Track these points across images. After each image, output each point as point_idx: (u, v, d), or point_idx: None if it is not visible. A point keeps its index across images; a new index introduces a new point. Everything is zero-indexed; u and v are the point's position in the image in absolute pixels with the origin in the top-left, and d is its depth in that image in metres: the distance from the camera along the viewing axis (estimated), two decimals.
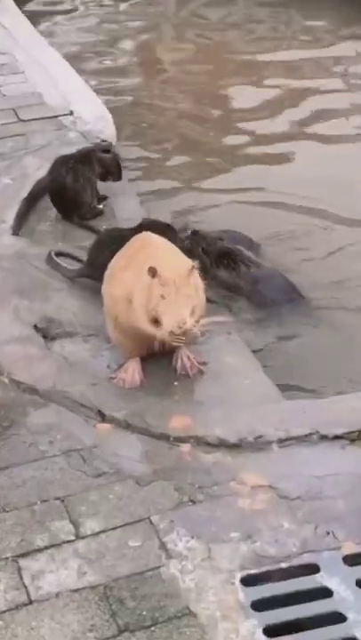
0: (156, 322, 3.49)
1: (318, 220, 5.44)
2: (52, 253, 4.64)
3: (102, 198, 5.26)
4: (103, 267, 3.97)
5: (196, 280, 3.56)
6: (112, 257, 3.93)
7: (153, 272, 3.43)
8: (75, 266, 4.57)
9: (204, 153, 6.47)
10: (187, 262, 3.60)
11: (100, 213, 5.19)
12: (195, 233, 4.89)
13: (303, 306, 4.62)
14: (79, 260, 4.59)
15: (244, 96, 7.30)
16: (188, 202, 5.73)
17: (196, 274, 3.55)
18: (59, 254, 4.68)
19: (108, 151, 5.31)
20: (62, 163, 5.12)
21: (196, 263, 3.56)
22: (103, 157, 5.25)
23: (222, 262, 4.77)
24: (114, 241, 4.29)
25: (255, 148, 6.50)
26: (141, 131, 6.83)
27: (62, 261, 4.61)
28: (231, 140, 6.65)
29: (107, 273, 3.82)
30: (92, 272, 4.32)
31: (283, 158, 6.31)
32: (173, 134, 6.80)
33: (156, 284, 3.43)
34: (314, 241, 5.21)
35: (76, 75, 6.94)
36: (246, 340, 4.09)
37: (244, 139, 6.66)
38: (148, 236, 3.88)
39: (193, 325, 3.43)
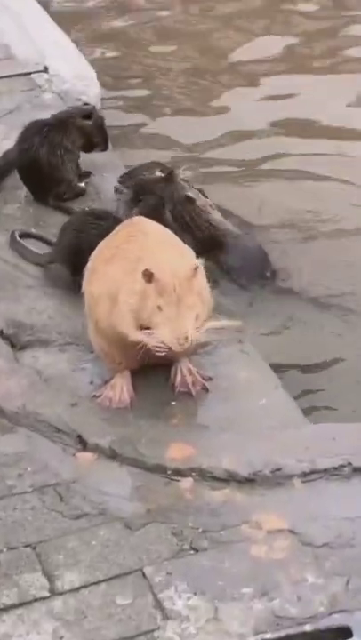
0: (145, 328, 3.51)
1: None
2: (16, 234, 4.70)
3: (84, 175, 5.28)
4: (66, 249, 4.16)
5: (201, 281, 3.58)
6: (79, 238, 4.07)
7: (149, 277, 3.44)
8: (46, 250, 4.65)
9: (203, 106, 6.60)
10: (189, 259, 3.61)
11: (81, 193, 5.21)
12: (171, 175, 4.95)
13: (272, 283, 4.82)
14: (50, 244, 4.65)
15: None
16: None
17: (202, 273, 3.57)
18: (24, 236, 4.73)
19: (89, 116, 5.34)
20: (35, 131, 5.14)
21: (200, 261, 3.58)
22: (84, 124, 5.28)
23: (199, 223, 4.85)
24: (84, 218, 4.42)
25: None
26: (124, 77, 6.92)
27: (30, 246, 4.68)
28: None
29: (88, 266, 3.84)
30: (57, 256, 4.45)
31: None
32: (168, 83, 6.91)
33: (153, 292, 3.44)
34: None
35: (51, 22, 6.96)
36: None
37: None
38: (139, 222, 3.90)
39: (194, 336, 3.46)
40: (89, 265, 3.84)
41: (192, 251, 3.78)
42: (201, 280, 3.58)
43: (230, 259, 4.88)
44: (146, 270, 3.44)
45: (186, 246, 3.81)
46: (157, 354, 3.52)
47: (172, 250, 3.70)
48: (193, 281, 3.49)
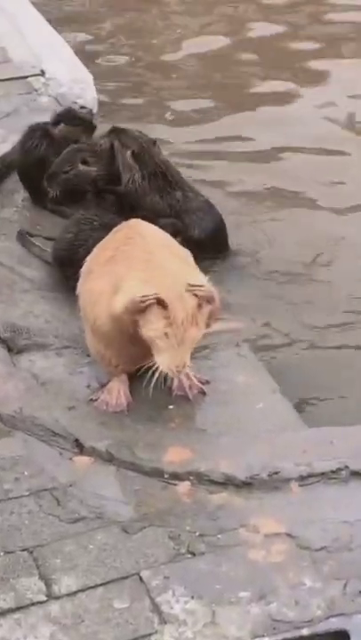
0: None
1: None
2: (24, 232, 4.80)
3: None
4: (61, 250, 4.39)
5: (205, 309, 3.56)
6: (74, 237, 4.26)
7: (164, 306, 3.45)
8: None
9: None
10: (196, 279, 3.59)
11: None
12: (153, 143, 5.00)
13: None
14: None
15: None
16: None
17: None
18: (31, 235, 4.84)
19: (57, 122, 5.32)
20: (42, 134, 5.16)
21: (210, 288, 3.58)
22: (56, 133, 5.26)
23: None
24: (80, 218, 4.55)
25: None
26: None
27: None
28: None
29: (83, 269, 3.84)
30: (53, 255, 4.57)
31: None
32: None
33: (163, 318, 3.45)
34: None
35: (47, 25, 6.97)
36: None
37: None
38: (136, 225, 3.90)
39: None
40: (84, 267, 3.84)
41: (190, 253, 3.79)
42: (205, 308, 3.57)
43: (198, 229, 4.89)
44: (160, 300, 3.44)
45: (184, 249, 3.82)
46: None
47: (174, 258, 3.68)
48: (199, 315, 3.51)
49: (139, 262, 3.59)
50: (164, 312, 3.46)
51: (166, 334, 3.47)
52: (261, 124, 6.36)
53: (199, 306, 3.51)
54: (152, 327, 3.48)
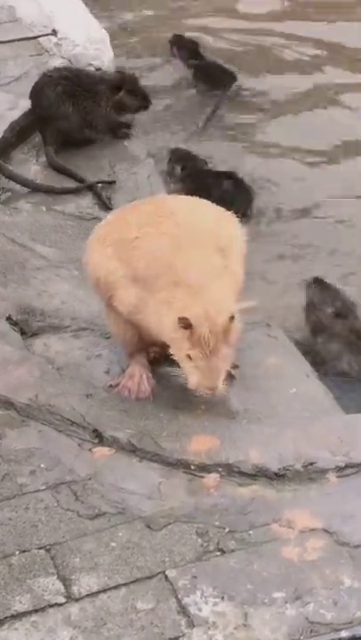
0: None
1: None
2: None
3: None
4: None
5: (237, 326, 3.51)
6: None
7: (186, 325, 3.38)
8: None
9: None
10: (228, 302, 3.50)
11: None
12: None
13: None
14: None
15: None
16: None
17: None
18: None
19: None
20: None
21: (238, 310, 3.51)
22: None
23: None
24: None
25: None
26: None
27: None
28: None
29: (95, 235, 3.70)
30: None
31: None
32: None
33: (186, 339, 3.41)
34: None
35: None
36: None
37: None
38: (166, 201, 3.88)
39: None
40: (97, 232, 3.68)
41: (233, 217, 3.76)
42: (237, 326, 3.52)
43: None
44: (183, 319, 3.38)
45: (222, 218, 3.75)
46: None
47: (205, 254, 3.58)
48: (230, 330, 3.44)
49: (163, 265, 3.49)
50: (188, 333, 3.41)
51: (189, 356, 3.44)
52: None
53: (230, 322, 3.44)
54: (178, 346, 3.46)
